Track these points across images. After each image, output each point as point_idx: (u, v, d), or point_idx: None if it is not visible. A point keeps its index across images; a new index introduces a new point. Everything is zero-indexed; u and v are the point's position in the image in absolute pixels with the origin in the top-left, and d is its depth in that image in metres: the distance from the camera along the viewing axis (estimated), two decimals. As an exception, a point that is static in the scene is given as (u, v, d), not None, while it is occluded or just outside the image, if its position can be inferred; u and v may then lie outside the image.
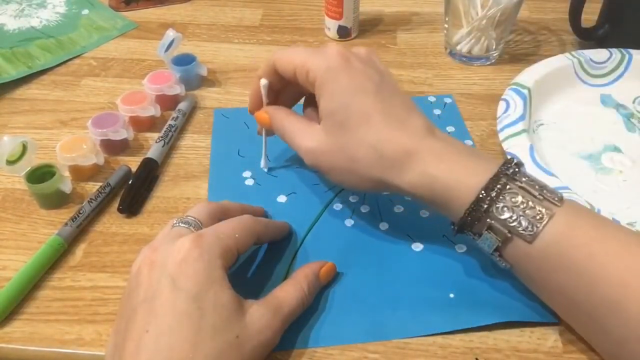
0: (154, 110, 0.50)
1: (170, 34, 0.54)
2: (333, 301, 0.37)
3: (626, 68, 0.55)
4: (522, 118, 0.48)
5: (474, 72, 0.59)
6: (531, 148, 0.45)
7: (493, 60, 0.60)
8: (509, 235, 0.33)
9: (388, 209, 0.44)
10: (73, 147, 0.45)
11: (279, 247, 0.41)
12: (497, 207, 0.33)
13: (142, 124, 0.51)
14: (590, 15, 0.60)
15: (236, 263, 0.35)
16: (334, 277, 0.39)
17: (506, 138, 0.47)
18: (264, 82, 0.41)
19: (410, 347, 0.35)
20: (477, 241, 0.35)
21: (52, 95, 0.56)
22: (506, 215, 0.33)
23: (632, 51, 0.55)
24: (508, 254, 0.34)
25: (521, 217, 0.32)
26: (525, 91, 0.51)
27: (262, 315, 0.32)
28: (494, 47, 0.58)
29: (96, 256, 0.41)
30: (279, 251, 0.41)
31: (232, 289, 0.32)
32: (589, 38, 0.61)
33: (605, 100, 0.54)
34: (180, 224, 0.35)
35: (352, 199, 0.45)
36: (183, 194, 0.46)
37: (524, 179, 0.34)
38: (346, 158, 0.37)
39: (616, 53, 0.55)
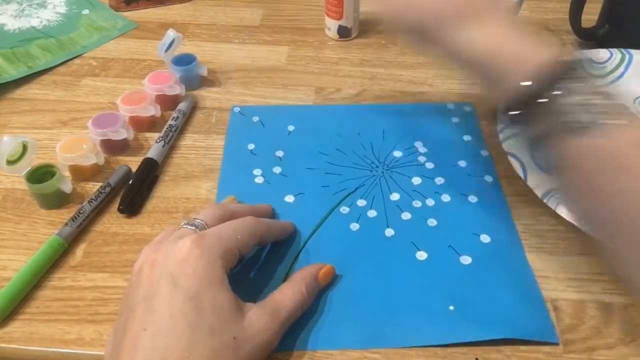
0: (154, 110, 0.50)
1: (171, 34, 0.54)
2: (333, 305, 0.37)
3: (626, 68, 0.55)
4: (522, 118, 0.48)
5: (474, 72, 0.59)
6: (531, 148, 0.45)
7: (493, 60, 0.60)
8: (575, 124, 0.30)
9: (395, 215, 0.43)
10: (73, 147, 0.45)
11: (281, 248, 0.41)
12: (560, 89, 0.30)
13: (142, 124, 0.51)
14: (590, 15, 0.60)
15: (238, 264, 0.35)
16: (335, 280, 0.39)
17: (506, 138, 0.47)
18: None
19: (410, 347, 0.35)
20: (527, 126, 0.32)
21: (52, 95, 0.56)
22: (567, 100, 0.30)
23: (632, 51, 0.55)
24: (561, 147, 0.31)
25: (581, 107, 0.30)
26: (526, 91, 0.51)
27: (261, 317, 0.32)
28: (494, 47, 0.58)
29: (96, 256, 0.41)
30: (280, 252, 0.41)
31: (231, 290, 0.32)
32: (589, 38, 0.60)
33: (606, 100, 0.54)
34: (187, 225, 0.35)
35: (359, 203, 0.44)
36: (183, 194, 0.46)
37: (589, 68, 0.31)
38: None
39: (616, 53, 0.55)
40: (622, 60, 0.55)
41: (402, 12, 0.37)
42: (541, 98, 0.31)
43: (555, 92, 0.31)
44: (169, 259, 0.32)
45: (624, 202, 0.29)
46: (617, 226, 0.30)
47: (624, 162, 0.29)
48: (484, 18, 0.33)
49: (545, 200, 0.42)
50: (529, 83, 0.31)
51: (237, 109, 0.54)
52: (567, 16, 0.59)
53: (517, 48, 0.32)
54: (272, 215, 0.43)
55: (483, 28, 0.33)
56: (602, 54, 0.55)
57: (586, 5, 0.57)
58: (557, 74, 0.31)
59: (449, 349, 0.35)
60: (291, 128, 0.51)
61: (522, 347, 0.35)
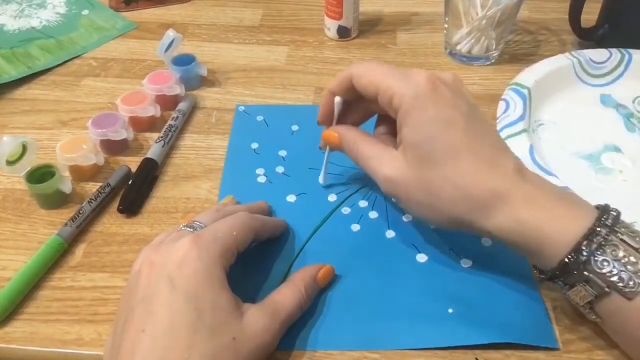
0: (153, 110, 0.50)
1: (170, 34, 0.54)
2: (332, 305, 0.37)
3: (626, 68, 0.55)
4: (522, 118, 0.48)
5: (474, 72, 0.59)
6: (531, 148, 0.45)
7: (493, 60, 0.60)
8: (607, 290, 0.31)
9: (396, 217, 0.43)
10: (73, 147, 0.45)
11: (281, 248, 0.41)
12: (597, 260, 0.31)
13: (142, 124, 0.51)
14: (590, 15, 0.60)
15: (237, 262, 0.35)
16: (335, 281, 0.39)
17: (506, 138, 0.47)
18: (338, 99, 0.40)
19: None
20: (567, 292, 0.33)
21: (52, 95, 0.56)
22: (606, 269, 0.31)
23: (632, 51, 0.55)
24: (602, 309, 0.32)
25: (622, 272, 0.30)
26: (525, 91, 0.51)
27: (260, 318, 0.32)
28: (493, 47, 0.58)
29: (96, 256, 0.41)
30: (280, 252, 0.41)
31: (231, 291, 0.32)
32: (589, 38, 0.61)
33: (605, 100, 0.54)
34: (185, 228, 0.35)
35: (361, 204, 0.44)
36: (183, 194, 0.46)
37: (623, 230, 0.32)
38: (428, 193, 0.35)
39: (616, 53, 0.55)
40: (621, 60, 0.55)
41: (427, 218, 0.37)
42: (578, 269, 0.31)
43: (591, 261, 0.31)
44: (168, 260, 0.32)
45: None
46: None
47: None
48: (505, 198, 0.33)
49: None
50: (562, 262, 0.32)
51: (241, 108, 0.54)
52: (567, 16, 0.59)
53: (542, 226, 0.32)
54: (270, 213, 0.43)
55: (506, 212, 0.33)
56: (602, 53, 0.55)
57: (586, 5, 0.57)
58: (591, 241, 0.31)
59: (449, 349, 0.35)
60: (295, 128, 0.51)
61: (522, 347, 0.35)
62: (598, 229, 0.31)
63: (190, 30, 0.65)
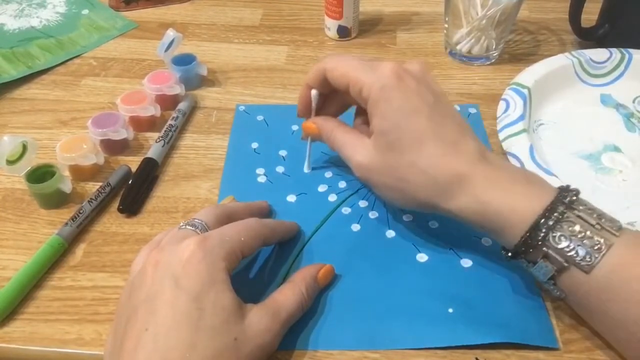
0: (154, 110, 0.50)
1: (171, 33, 0.54)
2: (333, 305, 0.37)
3: (626, 68, 0.55)
4: (522, 118, 0.48)
5: (473, 72, 0.59)
6: (531, 148, 0.45)
7: (493, 60, 0.60)
8: (566, 264, 0.32)
9: (397, 217, 0.43)
10: (73, 147, 0.45)
11: (282, 248, 0.41)
12: (554, 236, 0.32)
13: (142, 124, 0.51)
14: (590, 15, 0.60)
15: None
16: (335, 281, 0.39)
17: (506, 138, 0.47)
18: (314, 92, 0.42)
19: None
20: (530, 269, 0.34)
21: (52, 95, 0.56)
22: (563, 244, 0.32)
23: (632, 51, 0.55)
24: (563, 283, 0.34)
25: (579, 247, 0.32)
26: (525, 91, 0.51)
27: (261, 318, 0.32)
28: (493, 47, 0.58)
29: (96, 256, 0.41)
30: (281, 252, 0.41)
31: (233, 292, 0.32)
32: (589, 38, 0.61)
33: (605, 100, 0.54)
34: (186, 226, 0.35)
35: (361, 204, 0.44)
36: (183, 193, 0.46)
37: (581, 207, 0.33)
38: (396, 178, 0.37)
39: (616, 53, 0.55)
40: (621, 60, 0.55)
41: (397, 202, 0.39)
42: (537, 246, 0.33)
43: (549, 238, 0.33)
44: (172, 260, 0.32)
45: (624, 330, 0.32)
46: (628, 350, 0.33)
47: (622, 293, 0.31)
48: (467, 180, 0.35)
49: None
50: (520, 241, 0.33)
51: (242, 108, 0.54)
52: (567, 16, 0.59)
53: (502, 205, 0.34)
54: (269, 212, 0.43)
55: (468, 193, 0.35)
56: (602, 53, 0.55)
57: (586, 5, 0.57)
58: (548, 218, 0.33)
59: (449, 349, 0.35)
60: (295, 128, 0.51)
61: (522, 347, 0.35)
62: (556, 206, 0.33)
63: (190, 30, 0.65)
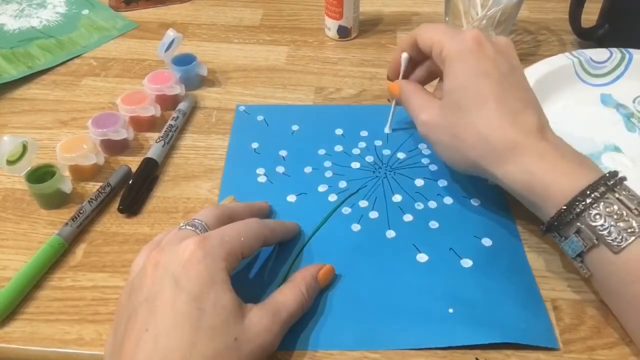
0: (154, 110, 0.50)
1: (171, 34, 0.54)
2: (333, 305, 0.37)
3: (626, 68, 0.55)
4: (522, 118, 0.48)
5: (474, 72, 0.59)
6: (531, 148, 0.45)
7: (493, 60, 0.60)
8: (596, 242, 0.33)
9: (397, 217, 0.43)
10: (73, 147, 0.45)
11: (282, 248, 0.41)
12: (590, 214, 0.33)
13: (142, 124, 0.51)
14: (590, 15, 0.60)
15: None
16: (335, 281, 0.39)
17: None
18: (404, 55, 0.45)
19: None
20: (561, 243, 0.36)
21: (52, 95, 0.56)
22: (598, 222, 0.33)
23: (632, 51, 0.55)
24: (591, 261, 0.34)
25: (612, 227, 0.33)
26: (525, 91, 0.51)
27: (262, 318, 0.32)
28: (494, 47, 0.58)
29: (96, 256, 0.41)
30: (281, 252, 0.41)
31: (234, 292, 0.32)
32: (589, 38, 0.61)
33: (605, 100, 0.54)
34: (186, 226, 0.35)
35: (361, 204, 0.44)
36: (183, 194, 0.46)
37: (623, 192, 0.34)
38: (452, 136, 0.39)
39: (616, 53, 0.55)
40: (622, 59, 0.55)
41: (450, 161, 0.41)
42: (571, 221, 0.34)
43: (584, 214, 0.33)
44: (173, 261, 0.32)
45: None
46: (635, 331, 0.34)
47: None
48: (520, 151, 0.36)
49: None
50: (556, 214, 0.34)
51: (242, 108, 0.54)
52: (567, 16, 0.59)
53: (547, 179, 0.35)
54: (269, 213, 0.43)
55: (517, 163, 0.36)
56: (602, 53, 0.55)
57: (586, 5, 0.57)
58: (587, 196, 0.33)
59: (449, 349, 0.35)
60: (295, 128, 0.51)
61: (522, 347, 0.35)
62: (597, 186, 0.33)
63: (191, 30, 0.65)
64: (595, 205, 0.33)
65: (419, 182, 0.46)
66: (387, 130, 0.51)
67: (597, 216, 0.33)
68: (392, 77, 0.47)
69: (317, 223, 0.43)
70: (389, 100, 0.49)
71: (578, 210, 0.33)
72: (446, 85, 0.39)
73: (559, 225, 0.35)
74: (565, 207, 0.34)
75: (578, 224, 0.34)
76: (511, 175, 0.36)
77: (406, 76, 0.47)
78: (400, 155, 0.49)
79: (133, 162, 0.48)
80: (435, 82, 0.47)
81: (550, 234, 0.36)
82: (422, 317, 0.36)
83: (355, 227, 0.43)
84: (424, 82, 0.47)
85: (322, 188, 0.46)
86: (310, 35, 0.64)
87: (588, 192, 0.33)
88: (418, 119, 0.42)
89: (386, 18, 0.67)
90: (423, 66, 0.46)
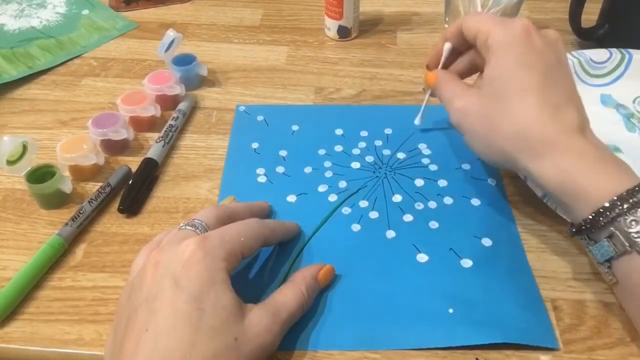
0: (154, 110, 0.50)
1: (171, 34, 0.54)
2: (333, 306, 0.37)
3: (626, 68, 0.55)
4: (522, 118, 0.48)
5: (474, 72, 0.59)
6: (531, 148, 0.45)
7: (493, 60, 0.60)
8: (629, 249, 0.32)
9: (397, 217, 0.43)
10: (73, 147, 0.45)
11: (282, 248, 0.41)
12: (627, 219, 0.32)
13: (142, 124, 0.51)
14: (590, 15, 0.60)
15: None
16: (335, 281, 0.39)
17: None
18: (447, 45, 0.44)
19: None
20: (589, 247, 0.34)
21: (52, 95, 0.56)
22: (633, 229, 0.32)
23: (632, 51, 0.55)
24: (619, 267, 0.33)
25: None
26: (525, 91, 0.51)
27: (262, 318, 0.32)
28: (494, 47, 0.58)
29: (96, 256, 0.41)
30: (281, 252, 0.41)
31: (234, 292, 0.32)
32: (589, 38, 0.61)
33: (605, 100, 0.54)
34: (186, 226, 0.35)
35: (361, 204, 0.44)
36: (183, 194, 0.46)
37: None
38: (487, 126, 0.38)
39: (616, 53, 0.55)
40: (621, 60, 0.55)
41: (482, 151, 0.40)
42: (605, 225, 0.33)
43: (620, 219, 0.32)
44: (173, 261, 0.32)
45: None
46: None
47: None
48: (557, 148, 0.35)
49: (545, 201, 0.42)
50: (590, 217, 0.33)
51: (242, 108, 0.54)
52: (567, 16, 0.59)
53: (583, 179, 0.34)
54: (269, 213, 0.43)
55: (553, 160, 0.35)
56: (602, 53, 0.55)
57: (586, 5, 0.57)
58: (626, 201, 0.32)
59: (449, 349, 0.35)
60: (295, 128, 0.51)
61: (522, 348, 0.35)
62: (636, 192, 0.32)
63: (191, 30, 0.65)
64: (633, 211, 0.32)
65: (419, 182, 0.46)
66: (417, 121, 0.49)
67: (633, 222, 0.32)
68: (431, 67, 0.46)
69: (317, 223, 0.43)
70: (423, 90, 0.48)
71: (614, 214, 0.32)
72: (487, 74, 0.38)
73: (591, 228, 0.33)
74: (600, 210, 0.32)
75: (612, 228, 0.32)
76: (545, 172, 0.35)
77: (446, 67, 0.45)
78: (400, 155, 0.49)
79: (133, 162, 0.48)
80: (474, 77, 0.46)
81: (578, 236, 0.35)
82: (422, 317, 0.36)
83: (355, 227, 0.43)
84: (463, 74, 0.45)
85: (322, 188, 0.46)
86: (310, 35, 0.64)
87: (626, 197, 0.32)
88: (452, 105, 0.40)
89: (386, 18, 0.67)
90: (464, 57, 0.45)
